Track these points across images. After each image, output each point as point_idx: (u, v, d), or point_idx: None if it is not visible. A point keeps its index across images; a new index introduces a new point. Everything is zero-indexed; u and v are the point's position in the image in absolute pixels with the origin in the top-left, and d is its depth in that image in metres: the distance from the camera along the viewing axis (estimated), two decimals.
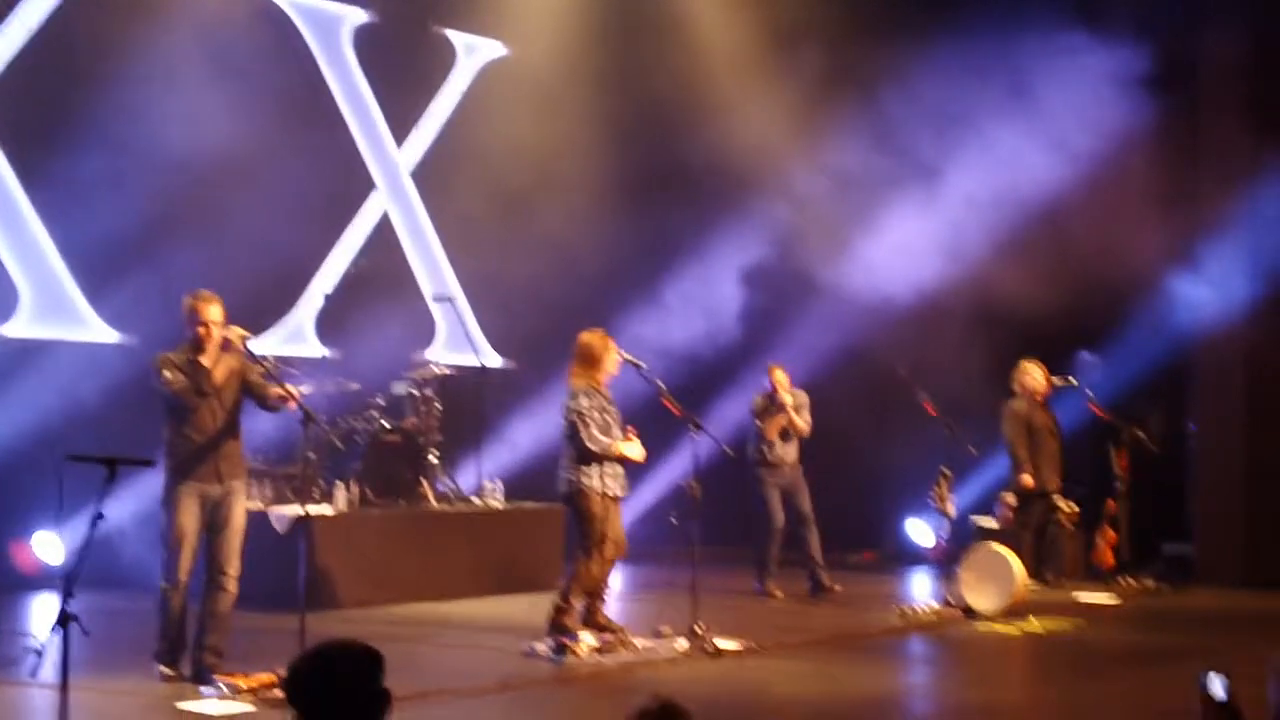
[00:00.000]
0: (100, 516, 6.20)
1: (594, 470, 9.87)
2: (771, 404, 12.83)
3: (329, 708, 3.87)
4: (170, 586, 8.32)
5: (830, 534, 15.44)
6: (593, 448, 9.81)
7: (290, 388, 8.49)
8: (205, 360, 8.34)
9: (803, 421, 12.89)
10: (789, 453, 12.87)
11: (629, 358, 10.17)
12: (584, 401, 9.88)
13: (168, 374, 8.29)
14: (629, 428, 10.11)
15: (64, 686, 6.11)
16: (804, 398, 13.00)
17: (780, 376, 12.87)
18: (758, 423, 12.89)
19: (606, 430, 9.87)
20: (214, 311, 8.39)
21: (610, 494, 9.95)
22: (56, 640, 6.02)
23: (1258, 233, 13.74)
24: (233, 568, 8.43)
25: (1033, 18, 13.44)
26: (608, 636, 9.78)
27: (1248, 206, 13.71)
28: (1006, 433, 13.50)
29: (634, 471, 10.47)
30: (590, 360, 10.03)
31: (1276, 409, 14.16)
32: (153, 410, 8.60)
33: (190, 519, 8.30)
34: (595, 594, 10.14)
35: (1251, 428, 14.30)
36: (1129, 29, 13.42)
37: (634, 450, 10.00)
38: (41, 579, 11.24)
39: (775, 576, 12.90)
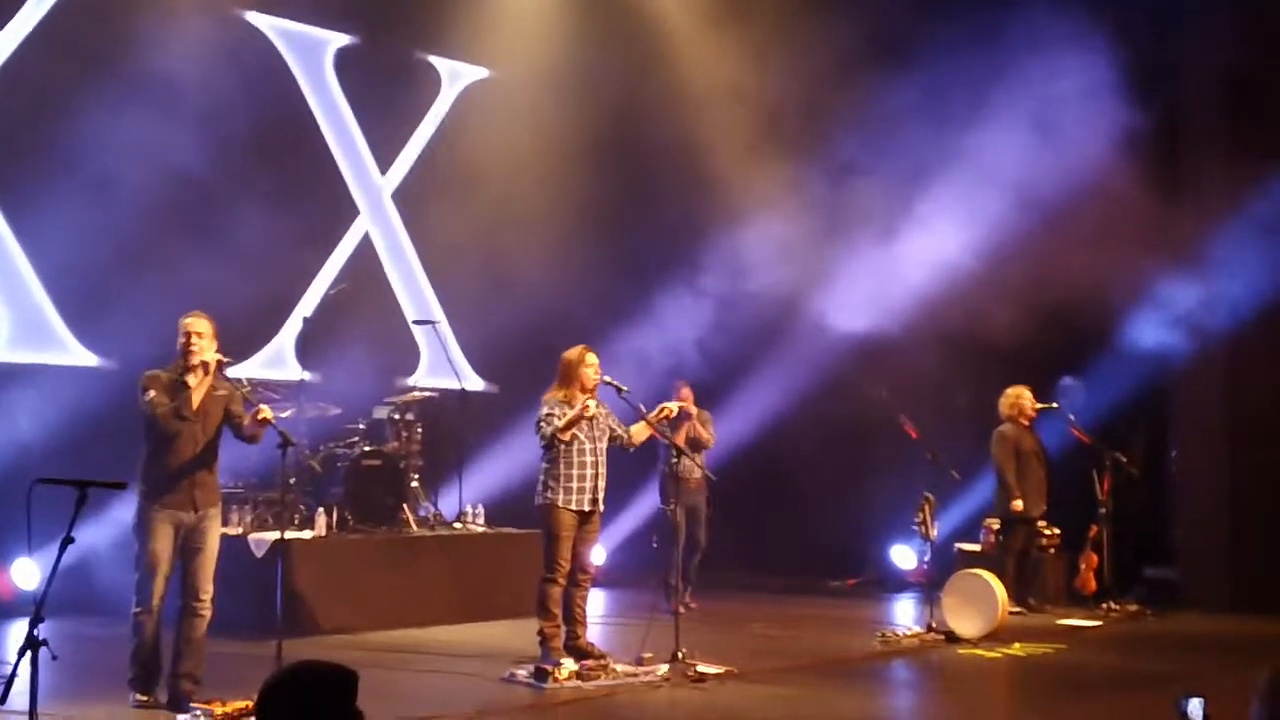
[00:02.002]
0: (70, 540, 6.13)
1: (559, 484, 9.88)
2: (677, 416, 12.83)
3: None
4: (143, 612, 8.22)
5: (813, 560, 15.50)
6: (549, 431, 9.79)
7: (267, 410, 8.39)
8: (191, 380, 8.27)
9: (707, 433, 13.18)
10: (693, 465, 12.80)
11: (610, 381, 10.12)
12: (544, 409, 9.95)
13: (152, 394, 8.24)
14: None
15: (33, 714, 6.04)
16: (707, 416, 13.39)
17: (686, 392, 13.05)
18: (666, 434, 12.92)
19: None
20: (199, 325, 8.32)
21: (578, 508, 9.92)
22: (26, 666, 5.94)
23: (1238, 258, 13.73)
24: (206, 593, 8.34)
25: (1013, 45, 13.44)
26: (589, 662, 9.72)
27: (1227, 232, 13.72)
28: (996, 457, 13.52)
29: (617, 497, 10.43)
30: (564, 376, 10.06)
31: (1258, 433, 14.16)
32: (132, 434, 8.52)
33: (164, 544, 8.21)
34: (576, 620, 10.12)
35: (1233, 451, 14.31)
36: (1108, 56, 13.41)
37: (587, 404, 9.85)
38: (18, 606, 11.13)
39: (685, 591, 12.84)
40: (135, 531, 8.30)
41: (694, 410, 13.06)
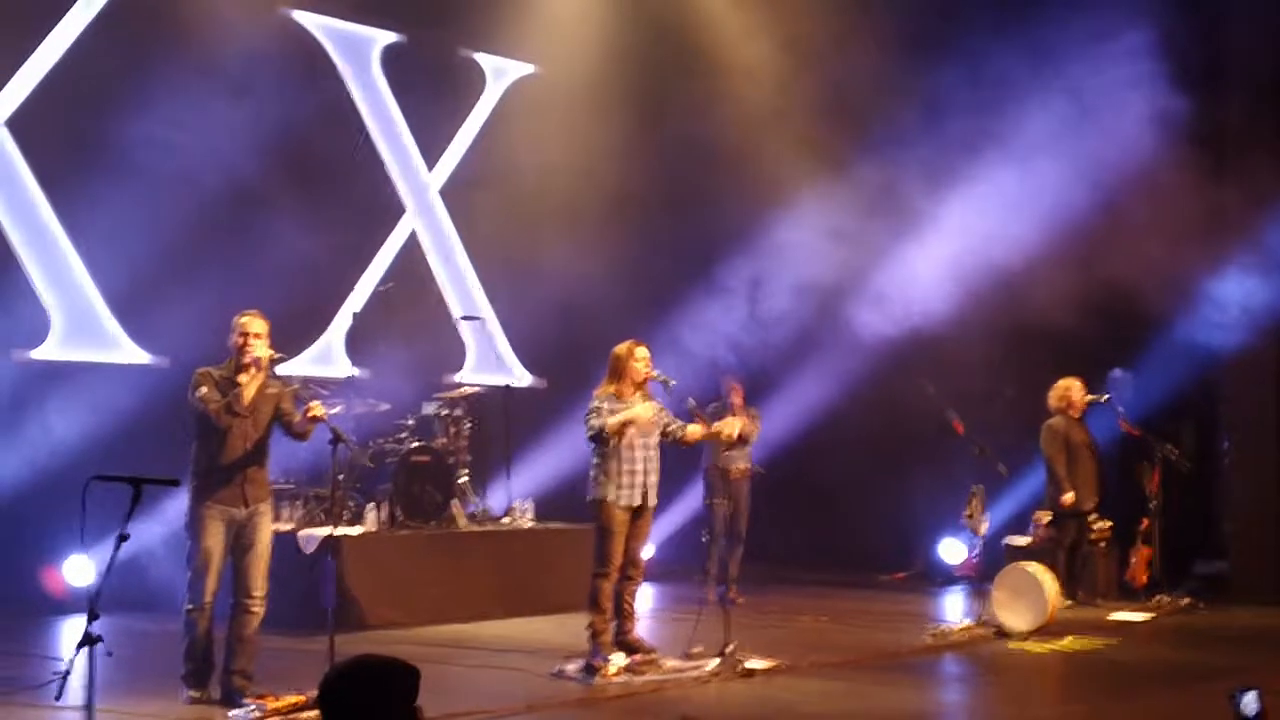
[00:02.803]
0: (125, 537, 6.17)
1: (610, 480, 9.84)
2: (724, 409, 12.78)
3: None
4: (196, 609, 8.30)
5: (862, 554, 15.47)
6: (596, 424, 9.75)
7: (319, 407, 8.42)
8: (244, 378, 8.32)
9: (753, 428, 13.15)
10: (737, 458, 12.72)
11: (657, 375, 10.07)
12: (593, 403, 9.92)
13: (204, 389, 8.29)
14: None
15: (89, 709, 6.10)
16: (755, 413, 13.31)
17: (737, 388, 13.12)
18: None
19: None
20: (256, 325, 8.38)
21: (629, 504, 9.89)
22: (81, 662, 6.00)
23: None
24: (259, 590, 8.41)
25: (1064, 34, 13.36)
26: (638, 657, 9.74)
27: (1276, 223, 13.59)
28: (1046, 450, 13.42)
29: (664, 492, 10.42)
30: (613, 370, 10.03)
31: None
32: (184, 431, 8.59)
33: (215, 541, 8.27)
34: (625, 615, 10.12)
35: None
36: (1155, 45, 13.31)
37: (641, 410, 9.80)
38: (71, 603, 11.23)
39: (734, 580, 12.95)
40: (187, 528, 8.37)
41: (739, 402, 13.02)
